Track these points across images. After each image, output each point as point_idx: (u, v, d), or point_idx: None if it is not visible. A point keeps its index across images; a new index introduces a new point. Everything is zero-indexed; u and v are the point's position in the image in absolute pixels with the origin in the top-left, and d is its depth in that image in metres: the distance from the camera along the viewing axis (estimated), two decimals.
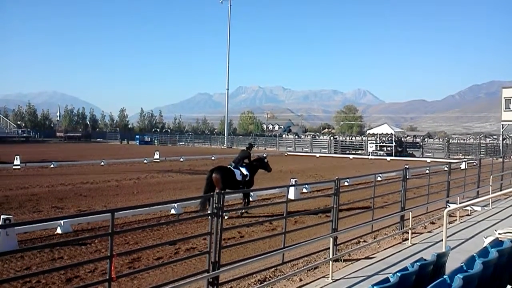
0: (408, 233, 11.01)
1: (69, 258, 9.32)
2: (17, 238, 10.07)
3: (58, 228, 11.47)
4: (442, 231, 8.28)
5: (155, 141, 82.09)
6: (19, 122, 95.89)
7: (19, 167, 28.68)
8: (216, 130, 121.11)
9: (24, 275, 7.56)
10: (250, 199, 16.18)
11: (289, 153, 55.59)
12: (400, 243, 10.78)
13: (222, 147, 72.60)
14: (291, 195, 16.54)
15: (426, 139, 68.09)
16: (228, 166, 14.88)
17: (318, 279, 7.93)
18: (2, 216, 10.00)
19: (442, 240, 8.18)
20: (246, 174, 14.90)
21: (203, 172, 28.91)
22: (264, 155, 16.16)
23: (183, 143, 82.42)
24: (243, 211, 14.03)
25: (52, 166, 30.13)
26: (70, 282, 7.89)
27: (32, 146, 61.89)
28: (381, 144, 55.74)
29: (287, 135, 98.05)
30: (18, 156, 29.43)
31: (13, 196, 17.16)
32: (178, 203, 14.15)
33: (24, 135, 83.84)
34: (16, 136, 79.98)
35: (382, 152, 53.88)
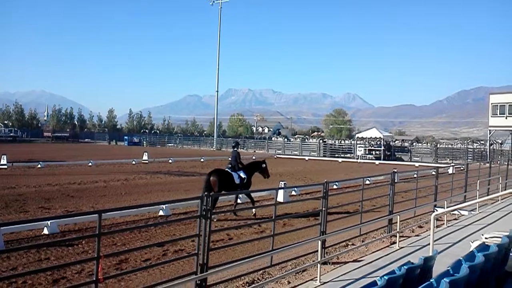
0: (396, 236, 11.07)
1: (56, 259, 9.24)
2: (3, 238, 9.96)
3: (45, 228, 11.37)
4: (430, 235, 8.34)
5: (144, 142, 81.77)
6: (6, 122, 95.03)
7: (5, 166, 28.40)
8: (205, 132, 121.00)
9: (10, 276, 7.46)
10: (239, 200, 16.18)
11: (278, 156, 55.64)
12: (388, 246, 10.83)
13: (212, 149, 72.49)
14: (280, 198, 16.55)
15: (414, 144, 68.73)
16: (226, 169, 14.91)
17: (306, 281, 7.94)
18: None
19: (429, 244, 8.24)
20: (244, 177, 14.91)
21: (191, 173, 28.89)
22: (263, 161, 15.96)
23: (172, 144, 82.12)
24: (254, 211, 14.44)
25: (39, 166, 29.85)
26: (57, 283, 7.82)
27: (19, 145, 61.26)
28: (370, 148, 56.05)
29: (277, 138, 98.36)
30: (5, 156, 29.14)
31: None
32: (166, 205, 14.08)
33: (11, 134, 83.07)
34: (2, 136, 79.23)
35: (370, 156, 54.19)
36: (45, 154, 42.77)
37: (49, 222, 11.30)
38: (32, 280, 7.89)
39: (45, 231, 11.34)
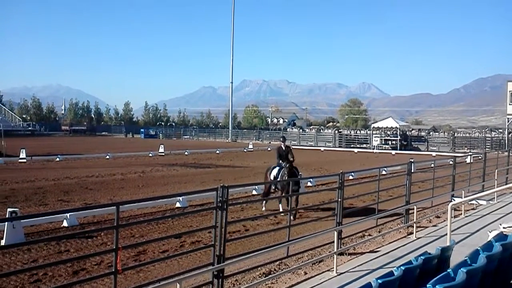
0: (413, 227, 11.02)
1: (76, 251, 9.41)
2: (23, 231, 10.16)
3: (65, 221, 11.56)
4: (447, 225, 8.30)
5: (160, 134, 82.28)
6: (24, 116, 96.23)
7: (25, 160, 28.87)
8: (220, 124, 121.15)
9: (31, 268, 7.62)
10: (255, 192, 16.16)
11: (293, 147, 55.49)
12: (404, 237, 10.79)
13: (227, 140, 72.68)
14: None
15: (431, 133, 67.90)
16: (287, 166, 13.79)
17: (323, 272, 7.96)
18: (9, 209, 10.09)
19: (446, 234, 8.19)
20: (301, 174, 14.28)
21: (207, 165, 29.05)
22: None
23: (188, 136, 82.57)
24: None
25: (57, 159, 30.30)
26: (77, 275, 7.96)
27: (38, 139, 62.15)
28: (386, 138, 55.64)
29: (292, 128, 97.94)
30: (24, 150, 29.60)
31: (19, 189, 17.29)
32: (183, 197, 14.21)
33: (30, 128, 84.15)
34: (21, 130, 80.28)
35: (387, 146, 53.82)
36: (63, 147, 43.35)
37: (68, 215, 11.50)
38: (52, 271, 8.05)
39: (65, 224, 11.54)
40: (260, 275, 7.82)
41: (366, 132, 69.13)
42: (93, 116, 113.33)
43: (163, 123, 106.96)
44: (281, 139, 15.17)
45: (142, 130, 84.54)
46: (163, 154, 38.09)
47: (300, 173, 14.15)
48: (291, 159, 13.85)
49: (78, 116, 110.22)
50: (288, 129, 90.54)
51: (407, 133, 60.85)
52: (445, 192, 14.76)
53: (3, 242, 9.49)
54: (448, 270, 4.41)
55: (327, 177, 18.71)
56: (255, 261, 8.09)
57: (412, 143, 57.33)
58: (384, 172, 20.99)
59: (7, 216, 9.73)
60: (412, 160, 13.11)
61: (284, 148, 14.11)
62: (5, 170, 24.29)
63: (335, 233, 8.76)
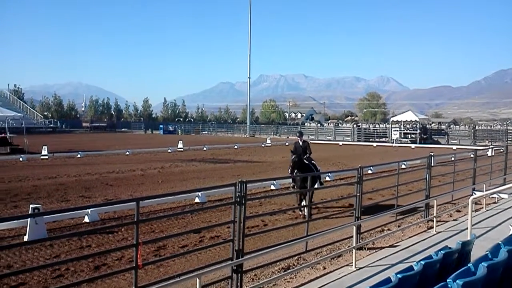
0: (433, 221, 10.91)
1: (97, 246, 9.55)
2: (46, 226, 10.34)
3: (86, 217, 11.74)
4: (468, 219, 8.20)
5: (179, 130, 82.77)
6: (45, 113, 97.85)
7: (46, 157, 29.36)
8: (238, 119, 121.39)
9: (53, 263, 7.75)
10: (273, 187, 16.15)
11: (311, 142, 55.26)
12: (424, 231, 10.70)
13: (245, 136, 72.77)
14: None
15: (451, 126, 67.09)
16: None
17: (342, 267, 7.94)
18: (31, 205, 10.28)
19: (467, 228, 8.09)
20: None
21: (226, 161, 29.14)
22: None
23: (206, 132, 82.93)
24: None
25: (78, 156, 30.74)
26: (98, 270, 8.09)
27: (59, 136, 63.08)
28: (405, 131, 55.05)
29: (310, 123, 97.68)
30: (46, 147, 30.12)
31: (41, 185, 17.59)
32: (202, 192, 14.28)
33: (51, 125, 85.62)
34: (43, 127, 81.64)
35: (406, 140, 53.25)
36: (84, 144, 43.97)
37: (89, 211, 11.67)
38: (74, 267, 8.18)
39: (86, 219, 11.71)
40: (279, 270, 7.84)
41: (385, 125, 68.57)
42: (113, 113, 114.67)
43: (181, 119, 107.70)
44: (297, 134, 14.61)
45: (161, 126, 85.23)
46: (182, 149, 38.34)
47: (318, 167, 13.75)
48: (307, 154, 13.41)
49: (98, 113, 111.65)
50: (306, 124, 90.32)
51: (427, 126, 60.10)
52: (466, 186, 14.56)
53: (26, 238, 9.70)
54: (469, 265, 4.37)
55: (345, 172, 18.60)
56: (273, 256, 8.11)
57: (432, 136, 56.61)
58: (403, 166, 20.82)
59: (30, 212, 9.92)
60: (432, 154, 12.94)
61: (301, 143, 13.67)
62: (28, 167, 24.74)
63: (354, 227, 8.73)
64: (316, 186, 12.71)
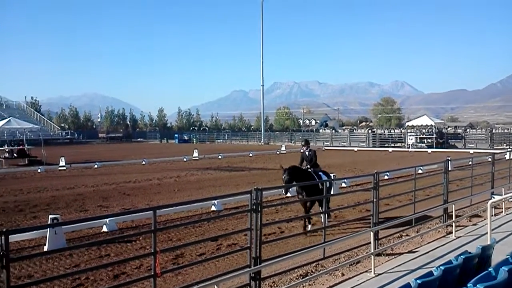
0: (452, 226, 10.79)
1: (116, 255, 9.62)
2: (65, 236, 10.44)
3: (104, 226, 11.84)
4: (487, 223, 8.10)
5: (194, 139, 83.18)
6: (62, 124, 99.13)
7: (64, 168, 29.75)
8: (252, 127, 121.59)
9: (73, 272, 7.84)
10: (289, 194, 16.07)
11: (326, 148, 55.19)
12: (444, 236, 10.58)
13: (259, 143, 72.81)
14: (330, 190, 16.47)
15: (468, 130, 66.29)
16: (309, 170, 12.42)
17: (361, 273, 7.89)
18: (50, 216, 10.41)
19: (487, 233, 8.00)
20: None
21: (241, 168, 29.19)
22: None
23: (221, 140, 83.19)
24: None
25: (95, 166, 31.07)
26: (118, 278, 8.15)
27: (76, 147, 63.88)
28: (421, 136, 54.55)
29: (324, 129, 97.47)
30: (63, 158, 30.55)
31: (60, 196, 17.82)
32: (218, 200, 14.30)
33: (68, 137, 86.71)
34: (60, 138, 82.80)
35: (422, 144, 52.75)
36: (100, 154, 44.43)
37: (107, 220, 11.76)
38: (94, 275, 8.25)
39: (104, 229, 11.82)
40: (297, 277, 7.82)
41: (401, 131, 68.02)
42: (129, 123, 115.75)
43: (196, 128, 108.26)
44: (302, 143, 13.43)
45: (176, 135, 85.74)
46: (197, 158, 38.51)
47: (329, 175, 12.99)
48: (311, 162, 12.53)
49: (114, 123, 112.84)
50: (320, 130, 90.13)
51: (443, 130, 59.50)
52: (485, 190, 14.38)
53: (46, 248, 9.81)
54: (489, 269, 4.33)
55: (361, 177, 18.50)
56: (291, 263, 8.10)
57: (449, 140, 55.99)
58: (420, 171, 20.61)
59: (49, 222, 10.04)
60: (449, 158, 12.84)
61: (307, 153, 12.73)
62: (46, 178, 25.08)
63: (372, 233, 8.68)
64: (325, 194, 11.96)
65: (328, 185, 11.26)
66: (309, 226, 11.35)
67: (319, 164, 12.82)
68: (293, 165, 11.98)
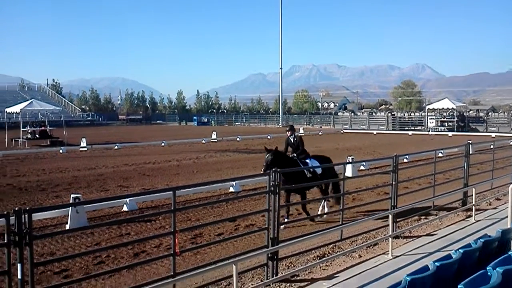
0: (472, 209, 10.69)
1: (136, 234, 9.80)
2: (86, 215, 10.67)
3: (124, 206, 12.03)
4: (508, 207, 8.00)
5: (212, 121, 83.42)
6: (83, 106, 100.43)
7: (85, 149, 30.19)
8: (271, 110, 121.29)
9: (94, 250, 8.03)
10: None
11: (345, 131, 54.86)
12: (463, 219, 10.50)
13: (278, 126, 72.68)
14: (348, 173, 16.45)
15: (490, 113, 65.08)
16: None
17: (378, 255, 7.90)
18: (72, 195, 10.62)
19: (507, 217, 7.90)
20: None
21: (259, 151, 29.19)
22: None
23: (239, 123, 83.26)
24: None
25: (116, 147, 31.45)
26: (138, 257, 8.31)
27: (97, 129, 64.61)
28: (442, 119, 53.76)
29: (343, 112, 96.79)
30: (84, 139, 30.97)
31: (81, 176, 18.12)
32: (236, 181, 14.39)
33: (89, 118, 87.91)
34: (81, 120, 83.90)
35: (443, 128, 52.00)
36: (121, 136, 44.91)
37: (128, 200, 11.96)
38: (114, 254, 8.42)
39: (125, 208, 12.02)
40: (314, 258, 7.86)
41: (421, 114, 67.17)
42: (148, 106, 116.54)
43: (215, 110, 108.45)
44: (287, 128, 11.92)
45: (195, 117, 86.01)
46: (216, 140, 38.66)
47: (326, 159, 11.72)
48: (298, 150, 11.31)
49: (134, 105, 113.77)
50: (339, 113, 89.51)
51: (464, 114, 58.53)
52: (506, 174, 14.16)
53: (67, 226, 10.04)
54: (509, 253, 4.30)
55: (380, 160, 18.37)
56: (308, 244, 8.15)
57: (470, 124, 55.09)
58: (440, 155, 20.38)
59: (71, 201, 10.25)
60: (470, 142, 12.66)
61: (292, 139, 11.45)
62: (68, 158, 25.50)
63: (390, 216, 8.65)
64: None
65: (320, 172, 10.72)
66: (286, 219, 9.99)
67: (306, 150, 11.53)
68: (276, 147, 10.87)
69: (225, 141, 38.97)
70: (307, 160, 11.14)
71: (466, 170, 11.59)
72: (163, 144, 34.22)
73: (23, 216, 4.52)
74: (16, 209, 4.52)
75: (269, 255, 6.87)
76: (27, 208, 4.61)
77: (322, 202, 11.43)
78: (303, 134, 46.89)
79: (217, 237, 9.41)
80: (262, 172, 9.99)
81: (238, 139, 39.73)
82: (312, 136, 46.29)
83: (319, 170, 10.84)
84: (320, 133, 49.65)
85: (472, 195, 11.09)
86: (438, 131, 50.45)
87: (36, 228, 9.50)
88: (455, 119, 51.61)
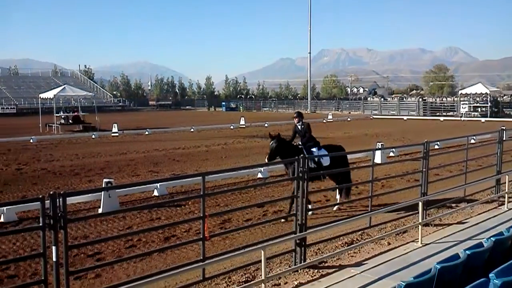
0: (505, 197, 10.46)
1: (166, 219, 10.00)
2: (118, 200, 10.92)
3: (155, 190, 12.26)
4: None
5: (240, 107, 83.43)
6: (114, 92, 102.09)
7: (117, 134, 30.78)
8: (299, 95, 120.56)
9: (126, 234, 8.21)
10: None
11: (374, 117, 54.15)
12: (495, 207, 10.30)
13: (306, 111, 72.26)
14: (377, 159, 16.28)
15: None
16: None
17: (407, 243, 7.85)
18: (105, 180, 10.89)
19: None
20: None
21: (287, 137, 29.14)
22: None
23: (267, 108, 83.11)
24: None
25: (146, 133, 31.96)
26: (168, 240, 8.48)
27: (128, 114, 65.69)
28: (475, 104, 52.44)
29: (372, 98, 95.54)
30: (116, 124, 31.55)
31: (113, 161, 18.52)
32: (264, 167, 14.42)
33: (120, 104, 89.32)
34: (112, 105, 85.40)
35: (476, 113, 50.74)
36: (151, 121, 45.56)
37: (158, 185, 12.18)
38: (146, 237, 8.62)
39: (155, 193, 12.24)
40: (342, 245, 7.87)
41: (453, 99, 65.67)
42: (178, 91, 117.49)
43: (243, 96, 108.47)
44: (295, 115, 11.17)
45: (223, 103, 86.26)
46: (244, 126, 38.78)
47: (337, 147, 11.36)
48: (305, 138, 10.78)
49: (164, 91, 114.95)
50: (368, 99, 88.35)
51: (498, 99, 56.90)
52: None
53: (100, 210, 10.31)
54: None
55: (410, 147, 18.11)
56: (336, 231, 8.15)
57: (504, 109, 53.56)
58: (472, 141, 19.93)
59: (103, 186, 10.50)
60: (504, 128, 12.34)
61: (300, 127, 10.90)
62: (100, 143, 26.06)
63: (420, 203, 8.55)
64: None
65: (328, 163, 10.23)
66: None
67: (314, 138, 11.00)
68: (278, 133, 10.52)
69: (253, 126, 39.05)
70: (313, 149, 10.61)
71: (499, 157, 11.33)
72: (192, 130, 34.56)
73: (57, 200, 4.66)
74: (51, 193, 4.67)
75: (297, 241, 6.91)
76: (62, 192, 4.75)
77: (337, 193, 11.07)
78: (332, 120, 46.56)
79: (246, 222, 9.50)
80: (266, 161, 10.10)
81: (266, 125, 39.71)
82: (341, 122, 45.91)
83: (326, 162, 10.36)
84: (349, 119, 49.15)
85: (505, 182, 10.85)
86: (471, 117, 49.27)
87: (70, 212, 9.74)
88: (489, 104, 50.25)
